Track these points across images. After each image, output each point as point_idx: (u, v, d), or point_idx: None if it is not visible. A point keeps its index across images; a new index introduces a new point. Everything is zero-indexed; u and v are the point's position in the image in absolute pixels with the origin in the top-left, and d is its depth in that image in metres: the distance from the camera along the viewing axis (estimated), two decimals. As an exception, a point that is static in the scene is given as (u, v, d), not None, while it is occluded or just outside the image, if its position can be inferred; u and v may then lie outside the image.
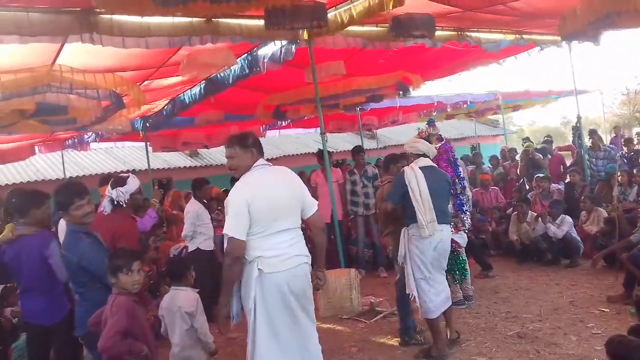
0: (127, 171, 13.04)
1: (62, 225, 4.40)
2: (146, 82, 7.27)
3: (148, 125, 10.05)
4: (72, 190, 3.68)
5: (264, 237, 3.31)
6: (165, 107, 9.11)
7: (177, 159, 16.75)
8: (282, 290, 3.28)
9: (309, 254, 3.51)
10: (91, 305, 3.43)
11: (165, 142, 12.14)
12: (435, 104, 13.65)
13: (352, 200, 8.43)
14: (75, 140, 11.30)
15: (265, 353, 3.28)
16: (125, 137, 11.84)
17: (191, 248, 6.76)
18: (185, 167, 16.35)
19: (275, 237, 3.33)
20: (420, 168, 4.79)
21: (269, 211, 3.30)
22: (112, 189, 4.35)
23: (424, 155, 4.95)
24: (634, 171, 8.01)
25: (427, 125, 6.12)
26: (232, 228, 3.25)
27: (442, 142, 6.13)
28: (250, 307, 3.29)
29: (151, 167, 12.10)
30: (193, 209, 6.78)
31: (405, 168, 4.88)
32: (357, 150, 8.68)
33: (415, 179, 4.72)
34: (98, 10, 4.54)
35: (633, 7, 5.72)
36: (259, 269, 3.25)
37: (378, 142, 18.32)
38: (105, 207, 4.36)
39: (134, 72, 6.61)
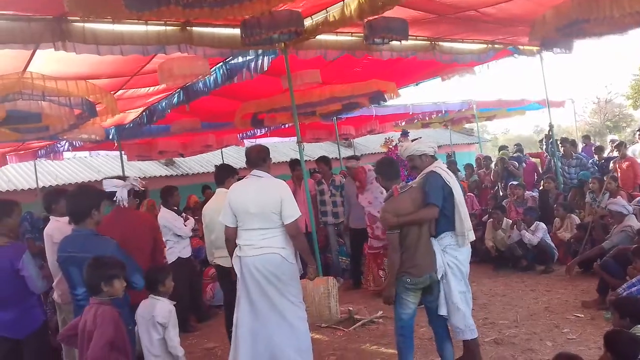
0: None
1: (53, 229, 4.34)
2: (121, 91, 7.20)
3: (123, 134, 9.93)
4: (95, 194, 3.82)
5: (242, 230, 4.25)
6: (141, 116, 9.01)
7: (153, 168, 16.57)
8: (251, 271, 4.17)
9: (285, 247, 4.22)
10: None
11: (141, 151, 12.00)
12: (411, 113, 13.76)
13: (322, 210, 8.53)
14: (48, 149, 11.10)
15: (242, 315, 4.23)
16: (100, 146, 11.66)
17: (172, 259, 6.60)
18: (161, 176, 16.17)
19: (249, 232, 4.22)
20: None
21: (243, 212, 4.22)
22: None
23: (435, 158, 4.51)
24: (605, 178, 8.15)
25: (400, 136, 6.10)
26: (222, 217, 4.36)
27: None
28: (238, 280, 4.25)
29: (126, 176, 11.91)
30: (167, 219, 6.70)
31: (436, 169, 4.32)
32: (322, 161, 8.70)
33: (452, 180, 4.28)
34: (71, 18, 4.49)
35: (601, 14, 5.88)
36: (237, 254, 4.23)
37: (355, 150, 18.38)
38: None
39: (107, 80, 6.54)
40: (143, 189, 5.42)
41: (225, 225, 4.36)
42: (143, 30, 5.00)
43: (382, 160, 4.89)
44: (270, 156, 4.56)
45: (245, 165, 4.67)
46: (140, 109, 8.78)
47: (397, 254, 4.15)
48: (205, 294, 7.67)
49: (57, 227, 4.44)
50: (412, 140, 4.72)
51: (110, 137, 10.03)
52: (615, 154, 9.56)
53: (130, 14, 3.96)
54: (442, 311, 4.27)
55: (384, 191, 6.61)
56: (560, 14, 6.25)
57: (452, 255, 4.28)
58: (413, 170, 4.74)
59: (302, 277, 4.57)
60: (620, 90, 35.60)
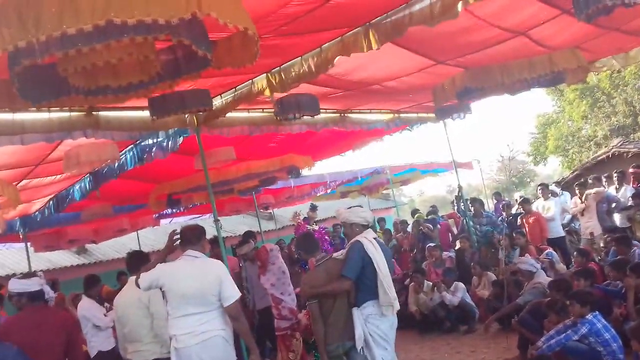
0: (7, 276, 12.01)
1: None
2: (25, 181, 6.87)
3: (28, 224, 9.38)
4: None
5: (175, 318, 3.93)
6: (47, 204, 8.59)
7: (62, 258, 15.60)
8: None
9: (225, 329, 4.00)
10: None
11: (49, 241, 11.31)
12: (328, 182, 14.01)
13: (247, 287, 8.24)
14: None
15: None
16: (2, 239, 10.93)
17: (92, 353, 6.13)
18: (72, 265, 15.25)
19: (186, 319, 3.91)
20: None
21: (178, 297, 3.91)
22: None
23: (367, 226, 4.56)
24: (514, 234, 8.55)
25: (309, 210, 6.18)
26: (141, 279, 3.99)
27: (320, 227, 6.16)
28: None
29: (33, 269, 11.16)
30: (87, 308, 6.27)
31: (361, 239, 4.38)
32: (247, 237, 8.46)
33: (375, 251, 4.32)
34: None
35: (493, 83, 6.42)
36: (173, 346, 3.91)
37: (276, 222, 18.32)
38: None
39: (9, 171, 6.23)
40: (51, 283, 5.11)
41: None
42: (46, 117, 4.85)
43: (299, 236, 5.05)
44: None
45: (162, 247, 4.50)
46: (47, 198, 8.38)
47: (320, 323, 4.33)
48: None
49: None
50: (348, 208, 4.79)
51: (16, 228, 9.46)
52: (521, 210, 10.10)
53: (29, 104, 3.84)
54: None
55: (286, 271, 6.68)
56: (456, 83, 6.76)
57: (374, 325, 4.27)
58: (345, 237, 4.88)
59: None
60: (521, 148, 38.20)
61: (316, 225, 10.35)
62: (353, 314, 4.27)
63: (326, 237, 6.18)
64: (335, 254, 4.68)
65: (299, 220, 10.37)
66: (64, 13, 2.55)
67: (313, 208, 10.74)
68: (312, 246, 4.75)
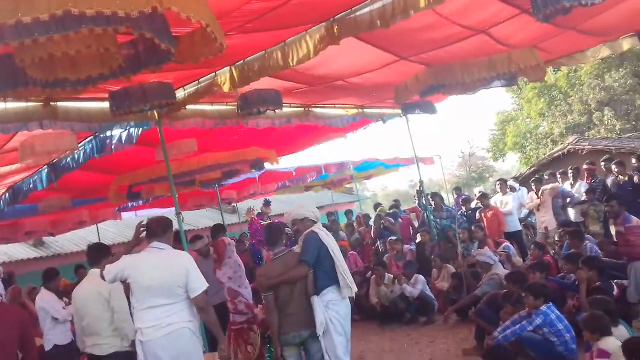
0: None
1: None
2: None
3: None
4: None
5: (141, 310, 3.89)
6: (3, 196, 8.36)
7: (19, 251, 15.19)
8: (157, 355, 3.82)
9: (192, 320, 4.00)
10: None
11: (5, 233, 11.04)
12: (294, 173, 14.03)
13: None
14: None
15: None
16: (-45, 230, 10.61)
17: (48, 346, 6.04)
18: (29, 258, 14.85)
19: (151, 311, 3.87)
20: None
21: (143, 289, 3.87)
22: None
23: (316, 222, 4.81)
24: (472, 227, 8.75)
25: (263, 205, 6.23)
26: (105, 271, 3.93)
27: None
28: None
29: (-12, 263, 10.87)
30: (46, 300, 6.16)
31: (315, 229, 4.65)
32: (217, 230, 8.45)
33: (328, 238, 4.61)
34: None
35: (454, 80, 6.55)
36: (138, 339, 3.86)
37: (239, 215, 18.24)
38: None
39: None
40: (7, 275, 5.00)
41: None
42: (1, 107, 4.73)
43: (266, 226, 5.15)
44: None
45: (123, 240, 4.45)
46: (2, 190, 8.15)
47: (274, 314, 4.50)
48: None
49: None
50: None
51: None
52: (480, 204, 10.32)
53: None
54: None
55: (242, 265, 6.78)
56: (419, 81, 6.86)
57: (334, 310, 4.49)
58: (297, 234, 5.05)
59: None
60: (481, 144, 38.95)
61: (270, 220, 10.38)
62: (313, 301, 4.45)
63: None
64: (293, 248, 4.86)
65: (253, 216, 10.40)
66: (19, 1, 2.50)
67: (267, 203, 10.80)
68: (272, 238, 4.84)
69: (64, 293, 7.48)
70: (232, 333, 6.80)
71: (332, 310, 4.47)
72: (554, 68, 18.71)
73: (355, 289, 4.66)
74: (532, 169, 15.72)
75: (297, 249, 4.74)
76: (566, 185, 9.73)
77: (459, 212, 10.36)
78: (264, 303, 4.54)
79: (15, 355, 4.07)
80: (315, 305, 4.44)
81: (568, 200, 9.39)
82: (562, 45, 7.20)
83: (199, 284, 4.01)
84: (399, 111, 9.39)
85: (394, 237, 9.80)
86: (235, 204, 17.80)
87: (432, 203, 10.08)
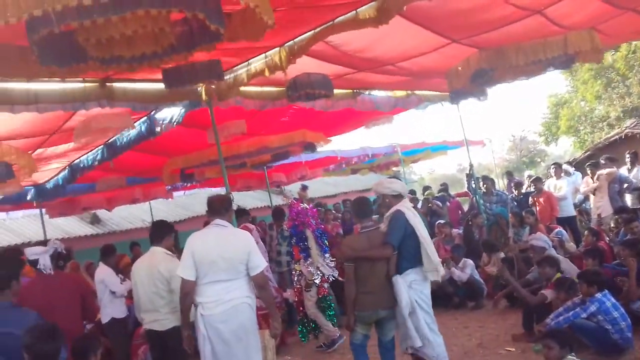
0: (22, 244, 12.25)
1: None
2: (40, 150, 6.95)
3: (43, 193, 9.52)
4: (14, 264, 3.72)
5: (204, 285, 3.99)
6: (62, 174, 8.70)
7: (76, 228, 15.82)
8: (218, 329, 3.95)
9: (250, 296, 4.12)
10: None
11: (63, 209, 11.52)
12: (340, 158, 14.02)
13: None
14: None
15: None
16: (17, 206, 11.12)
17: (105, 319, 6.23)
18: (86, 235, 15.46)
19: (213, 286, 3.98)
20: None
21: (208, 263, 3.97)
22: None
23: (401, 196, 4.71)
24: (523, 213, 8.54)
25: (300, 189, 6.26)
26: (181, 270, 4.03)
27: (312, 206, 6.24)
28: (200, 342, 4.03)
29: (48, 238, 11.35)
30: (105, 274, 6.38)
31: (401, 208, 4.55)
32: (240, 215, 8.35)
33: (415, 219, 4.51)
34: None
35: (507, 63, 6.35)
36: (200, 313, 3.97)
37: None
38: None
39: (25, 140, 6.31)
40: (65, 251, 5.20)
41: (184, 279, 4.02)
42: (60, 88, 4.89)
43: (355, 200, 5.14)
44: (199, 207, 4.48)
45: (174, 219, 4.57)
46: (60, 167, 8.49)
47: (352, 285, 4.47)
48: (136, 357, 7.25)
49: None
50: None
51: (29, 197, 9.60)
52: (533, 188, 10.07)
53: (46, 73, 3.88)
54: (417, 343, 4.44)
55: (266, 251, 6.79)
56: (470, 65, 6.68)
57: (418, 291, 4.47)
58: (382, 207, 4.97)
59: None
60: (533, 128, 37.83)
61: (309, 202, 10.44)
62: (395, 281, 4.43)
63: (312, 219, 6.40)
64: (380, 225, 4.75)
65: (292, 200, 10.47)
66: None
67: (304, 188, 10.86)
68: (362, 211, 4.77)
69: (123, 272, 7.74)
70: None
71: (415, 290, 4.45)
72: (613, 49, 17.94)
73: (442, 272, 4.61)
74: (587, 153, 15.21)
75: (383, 227, 4.65)
76: (623, 171, 9.37)
77: (510, 197, 10.15)
78: (345, 272, 4.54)
79: (81, 321, 4.27)
80: (399, 285, 4.41)
81: (625, 185, 9.04)
82: (621, 27, 6.84)
83: (260, 263, 4.14)
84: (448, 95, 9.20)
85: (442, 221, 9.70)
86: (283, 187, 17.97)
87: (483, 187, 9.89)
